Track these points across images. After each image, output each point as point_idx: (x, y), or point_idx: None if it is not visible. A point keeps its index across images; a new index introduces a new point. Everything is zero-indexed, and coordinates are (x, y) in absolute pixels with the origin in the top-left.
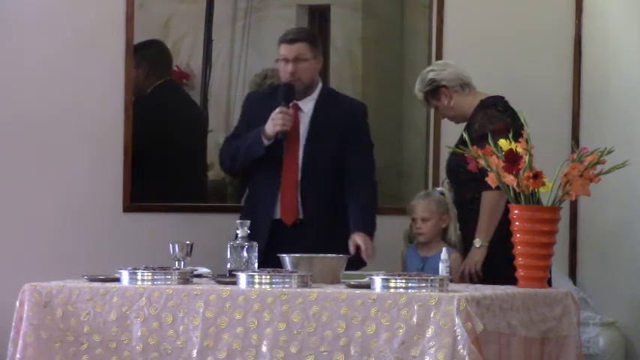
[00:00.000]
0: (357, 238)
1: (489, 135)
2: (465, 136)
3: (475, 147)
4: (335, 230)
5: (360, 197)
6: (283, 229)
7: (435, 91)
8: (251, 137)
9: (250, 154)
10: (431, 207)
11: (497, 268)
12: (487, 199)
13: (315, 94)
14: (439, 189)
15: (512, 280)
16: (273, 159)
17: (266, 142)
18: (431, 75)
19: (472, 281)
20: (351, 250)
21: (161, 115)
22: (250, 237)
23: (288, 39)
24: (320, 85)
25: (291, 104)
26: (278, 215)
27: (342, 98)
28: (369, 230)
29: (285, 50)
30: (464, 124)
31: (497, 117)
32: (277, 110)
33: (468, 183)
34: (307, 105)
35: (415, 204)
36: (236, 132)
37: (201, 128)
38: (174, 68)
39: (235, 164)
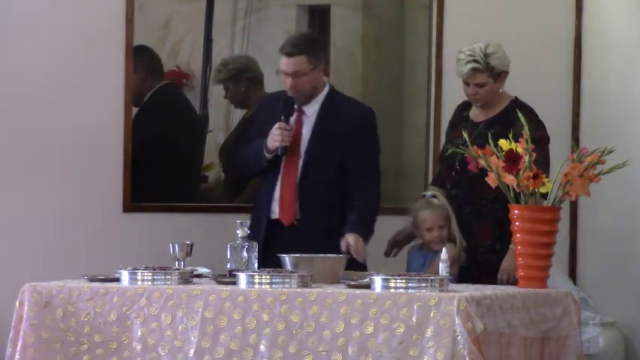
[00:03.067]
0: (348, 237)
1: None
2: (465, 135)
3: (475, 147)
4: (331, 233)
5: (358, 206)
6: (280, 229)
7: (501, 73)
8: (255, 149)
9: (256, 166)
10: (443, 214)
11: None
12: None
13: (321, 97)
14: (429, 193)
15: None
16: (274, 160)
17: (268, 156)
18: (508, 58)
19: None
20: (342, 247)
21: (161, 117)
22: (250, 235)
23: (287, 52)
24: (327, 88)
25: (292, 117)
26: (275, 215)
27: (348, 103)
28: (363, 233)
29: (284, 64)
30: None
31: (540, 124)
32: (276, 126)
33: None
34: (311, 108)
35: (426, 215)
36: (248, 137)
37: (201, 129)
38: (174, 68)
39: (245, 172)
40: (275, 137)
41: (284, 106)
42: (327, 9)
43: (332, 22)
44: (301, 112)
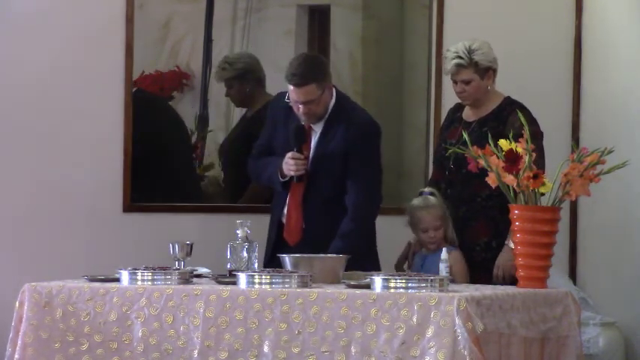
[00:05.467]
0: None
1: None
2: (465, 135)
3: (475, 147)
4: None
5: (341, 226)
6: None
7: (488, 69)
8: (271, 169)
9: (270, 184)
10: (438, 213)
11: None
12: None
13: (327, 114)
14: (428, 190)
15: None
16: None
17: (282, 180)
18: (494, 55)
19: (505, 283)
20: None
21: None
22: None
23: (295, 83)
24: (333, 100)
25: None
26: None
27: (352, 117)
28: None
29: (294, 94)
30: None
31: (534, 121)
32: (290, 155)
33: (483, 178)
34: (320, 125)
35: (422, 215)
36: (261, 142)
37: (183, 127)
38: (174, 68)
39: (259, 184)
40: (290, 167)
41: (295, 135)
42: (327, 9)
43: (332, 22)
44: (311, 129)
